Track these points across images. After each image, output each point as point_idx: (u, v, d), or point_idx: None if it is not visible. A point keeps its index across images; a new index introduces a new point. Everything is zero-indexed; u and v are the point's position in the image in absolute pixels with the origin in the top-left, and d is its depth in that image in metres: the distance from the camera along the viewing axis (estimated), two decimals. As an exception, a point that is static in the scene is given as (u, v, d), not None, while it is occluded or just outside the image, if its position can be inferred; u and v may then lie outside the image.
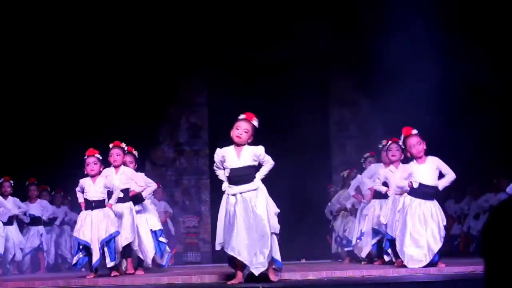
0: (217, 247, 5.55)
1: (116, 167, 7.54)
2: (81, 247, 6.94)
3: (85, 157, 7.07)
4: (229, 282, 5.47)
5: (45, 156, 11.86)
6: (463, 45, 10.70)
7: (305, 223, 11.94)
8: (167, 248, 8.23)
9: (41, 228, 10.32)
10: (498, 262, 1.56)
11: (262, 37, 12.40)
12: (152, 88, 12.60)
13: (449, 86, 10.83)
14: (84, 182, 7.06)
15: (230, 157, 5.54)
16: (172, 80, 13.05)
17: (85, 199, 7.03)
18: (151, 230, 7.85)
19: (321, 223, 11.47)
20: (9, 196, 9.62)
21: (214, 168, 5.72)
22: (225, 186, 5.58)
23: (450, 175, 6.66)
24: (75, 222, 11.26)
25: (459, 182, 7.49)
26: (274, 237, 5.51)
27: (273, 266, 5.53)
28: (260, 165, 5.62)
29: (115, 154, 7.53)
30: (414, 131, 6.68)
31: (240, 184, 5.49)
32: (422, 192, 6.59)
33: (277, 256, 5.52)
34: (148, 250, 7.75)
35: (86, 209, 7.00)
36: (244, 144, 5.55)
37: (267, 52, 12.57)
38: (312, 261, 11.07)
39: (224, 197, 5.61)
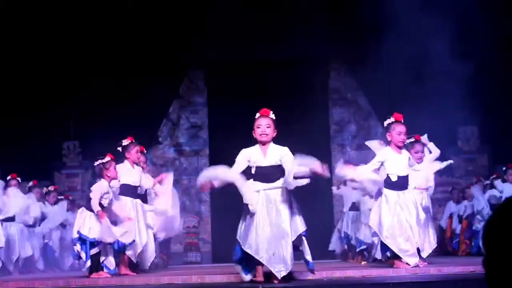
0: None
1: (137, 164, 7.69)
2: (92, 249, 6.90)
3: (106, 160, 7.03)
4: (252, 278, 5.46)
5: (45, 156, 11.87)
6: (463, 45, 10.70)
7: (305, 223, 11.93)
8: None
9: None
10: (500, 256, 1.57)
11: (263, 37, 12.40)
12: (152, 88, 12.60)
13: (449, 85, 10.83)
14: (103, 187, 7.01)
15: (256, 156, 5.50)
16: (173, 79, 13.06)
17: (100, 203, 6.99)
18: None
19: (321, 223, 11.47)
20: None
21: (235, 165, 5.50)
22: (250, 182, 5.49)
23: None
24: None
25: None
26: (303, 238, 5.50)
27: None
28: None
29: (137, 152, 7.66)
30: (402, 120, 6.69)
31: (264, 182, 5.45)
32: (400, 184, 6.61)
33: (309, 257, 5.51)
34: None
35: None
36: (270, 141, 5.53)
37: (268, 52, 12.57)
38: (312, 261, 11.05)
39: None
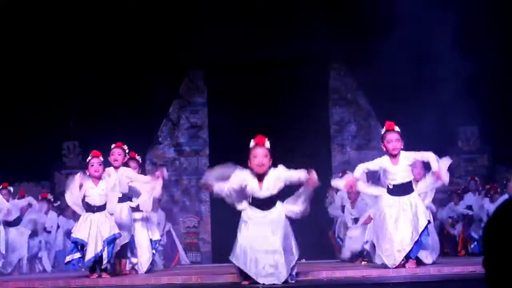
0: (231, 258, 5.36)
1: (116, 167, 7.50)
2: (79, 247, 6.91)
3: (89, 157, 7.03)
4: (244, 282, 5.40)
5: (45, 156, 11.87)
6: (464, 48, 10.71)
7: (305, 223, 11.91)
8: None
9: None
10: (501, 257, 1.57)
11: (263, 37, 12.40)
12: (152, 88, 12.61)
13: (449, 85, 10.84)
14: (86, 184, 6.99)
15: (251, 186, 5.30)
16: (173, 79, 13.06)
17: (86, 202, 6.96)
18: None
19: (321, 223, 11.46)
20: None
21: (226, 191, 5.31)
22: (245, 206, 5.37)
23: (431, 157, 6.57)
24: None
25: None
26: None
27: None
28: (285, 187, 5.39)
29: (117, 154, 7.49)
30: (396, 128, 6.59)
31: (261, 210, 5.32)
32: (396, 191, 6.51)
33: (294, 271, 5.40)
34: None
35: (87, 211, 6.96)
36: (267, 171, 5.29)
37: (267, 52, 12.57)
38: (312, 261, 11.06)
39: (243, 213, 5.38)
